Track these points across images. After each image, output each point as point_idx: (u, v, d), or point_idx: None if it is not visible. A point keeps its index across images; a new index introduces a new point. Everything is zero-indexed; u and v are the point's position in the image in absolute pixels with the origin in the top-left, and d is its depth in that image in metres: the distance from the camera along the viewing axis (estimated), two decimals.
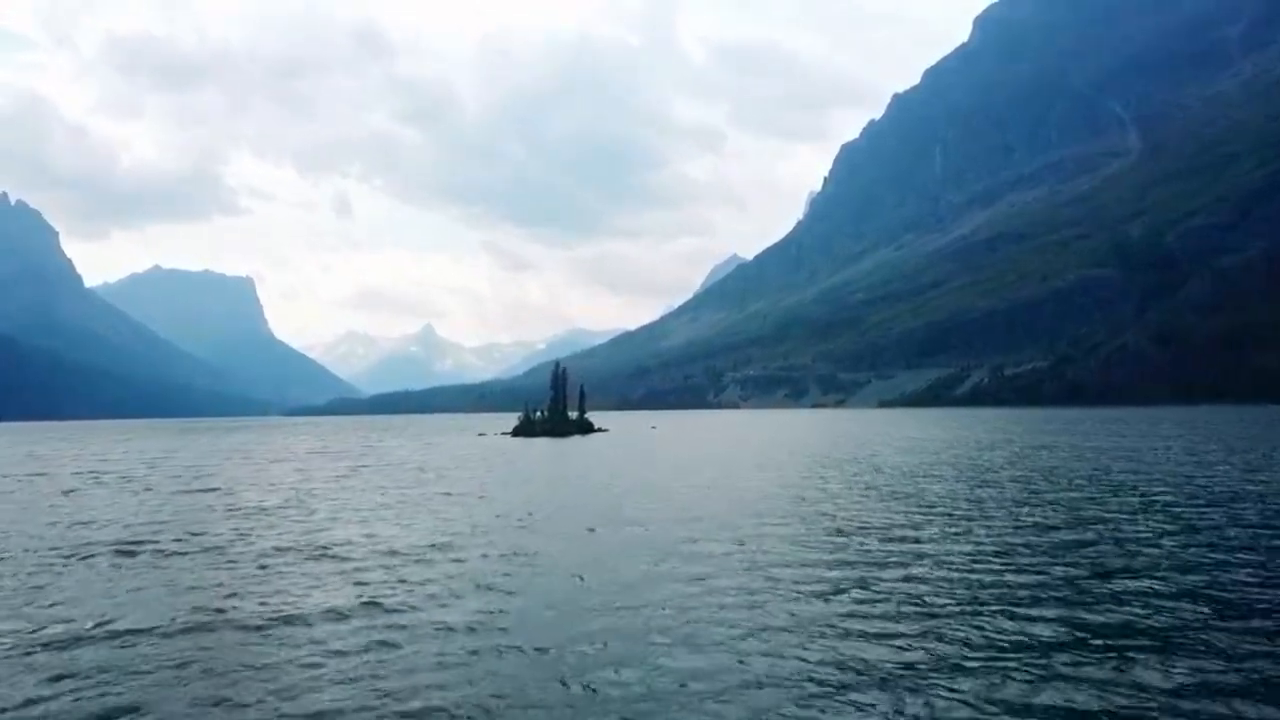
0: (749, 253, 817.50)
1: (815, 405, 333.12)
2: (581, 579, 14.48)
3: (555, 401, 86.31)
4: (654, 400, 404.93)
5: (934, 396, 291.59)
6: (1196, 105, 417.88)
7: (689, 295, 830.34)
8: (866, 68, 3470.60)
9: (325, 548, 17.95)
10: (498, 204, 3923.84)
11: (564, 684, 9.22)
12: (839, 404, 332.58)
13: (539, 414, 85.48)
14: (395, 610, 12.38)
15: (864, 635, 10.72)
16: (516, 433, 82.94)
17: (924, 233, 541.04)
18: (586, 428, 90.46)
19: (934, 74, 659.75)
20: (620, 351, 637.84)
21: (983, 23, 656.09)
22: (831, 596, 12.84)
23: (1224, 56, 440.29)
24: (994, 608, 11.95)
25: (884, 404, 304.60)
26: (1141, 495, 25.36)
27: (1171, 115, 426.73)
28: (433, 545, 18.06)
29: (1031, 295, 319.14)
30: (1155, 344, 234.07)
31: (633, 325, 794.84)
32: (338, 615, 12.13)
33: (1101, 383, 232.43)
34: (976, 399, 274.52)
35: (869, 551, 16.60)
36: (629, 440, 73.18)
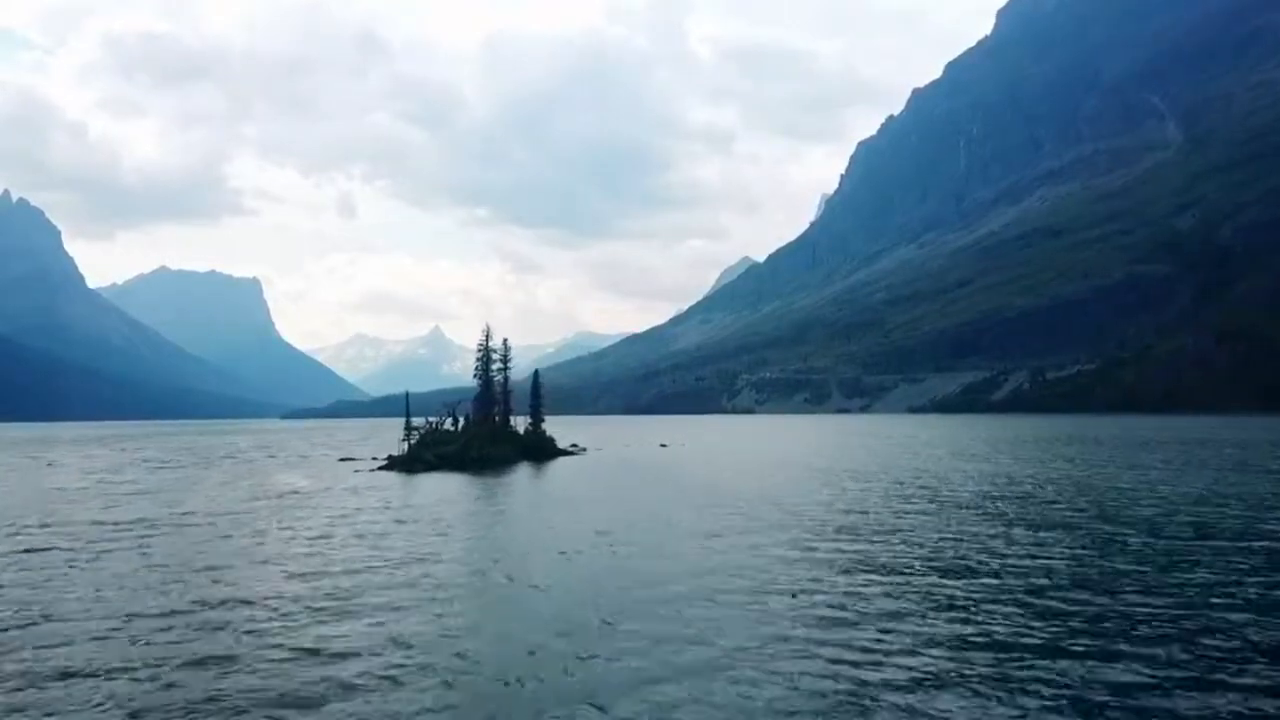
0: (761, 256, 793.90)
1: (839, 410, 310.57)
2: None
3: (484, 402, 54.22)
4: (663, 404, 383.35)
5: (969, 402, 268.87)
6: (1242, 94, 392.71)
7: (700, 299, 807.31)
8: (879, 68, 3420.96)
9: None
10: (505, 206, 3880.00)
11: None
12: (864, 409, 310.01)
13: (453, 421, 53.36)
14: None
15: None
16: (403, 463, 48.15)
17: (947, 230, 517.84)
18: (540, 449, 56.76)
19: (955, 69, 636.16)
20: (629, 354, 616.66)
21: (1006, 16, 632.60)
22: None
23: (1269, 43, 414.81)
24: None
25: (914, 410, 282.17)
26: None
27: (1214, 106, 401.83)
28: None
29: (1073, 293, 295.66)
30: (1220, 345, 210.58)
31: (643, 329, 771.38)
32: None
33: (1163, 388, 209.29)
34: (1017, 404, 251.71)
35: None
36: (607, 487, 39.18)
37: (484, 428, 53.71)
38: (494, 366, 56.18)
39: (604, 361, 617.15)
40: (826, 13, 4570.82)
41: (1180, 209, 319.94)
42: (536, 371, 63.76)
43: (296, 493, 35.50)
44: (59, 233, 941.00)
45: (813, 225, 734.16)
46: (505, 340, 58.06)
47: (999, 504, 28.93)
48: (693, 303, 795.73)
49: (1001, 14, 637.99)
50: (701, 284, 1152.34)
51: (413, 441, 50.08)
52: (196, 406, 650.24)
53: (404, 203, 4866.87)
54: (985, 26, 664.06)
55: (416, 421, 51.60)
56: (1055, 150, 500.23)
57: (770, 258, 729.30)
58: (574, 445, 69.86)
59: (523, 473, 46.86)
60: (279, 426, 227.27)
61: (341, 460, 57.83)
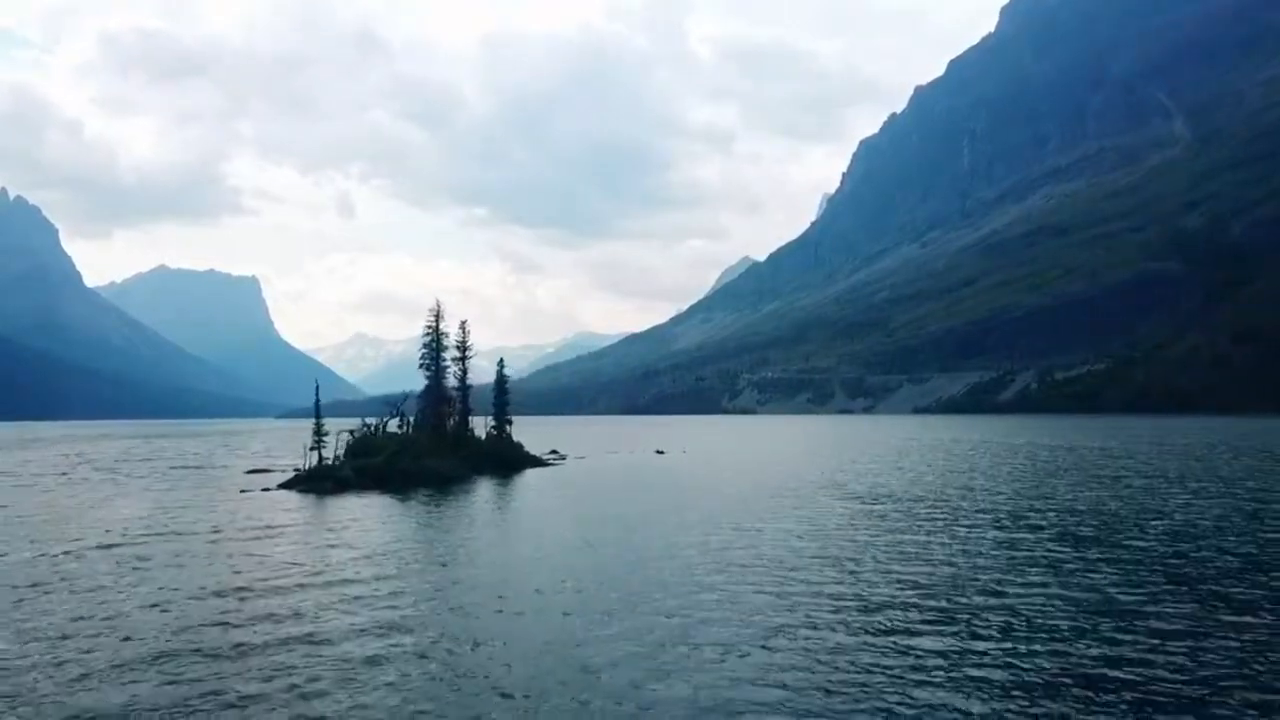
0: (761, 256, 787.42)
1: (842, 411, 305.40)
2: None
3: (434, 401, 44.77)
4: (663, 405, 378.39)
5: (975, 403, 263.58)
6: (1251, 91, 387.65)
7: (700, 299, 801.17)
8: (880, 67, 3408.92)
9: None
10: (505, 206, 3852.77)
11: None
12: (868, 410, 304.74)
13: (399, 423, 43.09)
14: None
15: None
16: (308, 481, 36.51)
17: (951, 229, 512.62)
18: (503, 459, 46.43)
19: (959, 66, 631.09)
20: (629, 353, 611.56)
21: (1009, 13, 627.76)
22: None
23: (1278, 41, 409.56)
24: None
25: (918, 410, 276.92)
26: None
27: (1223, 103, 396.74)
28: None
29: (1081, 292, 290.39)
30: (1236, 344, 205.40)
31: (643, 329, 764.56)
32: None
33: (1177, 388, 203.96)
34: (1024, 405, 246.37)
35: None
36: (573, 521, 27.46)
37: (426, 433, 43.07)
38: (449, 355, 46.75)
39: (604, 361, 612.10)
40: (826, 11, 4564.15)
41: (1189, 207, 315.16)
42: (501, 361, 53.37)
43: (93, 544, 22.38)
44: (56, 231, 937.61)
45: (814, 224, 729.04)
46: (464, 324, 47.80)
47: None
48: (693, 303, 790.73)
49: (1005, 11, 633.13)
50: (702, 284, 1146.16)
51: (324, 452, 38.99)
52: (196, 406, 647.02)
53: (403, 202, 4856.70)
54: (986, 27, 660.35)
55: (350, 424, 43.10)
56: (1060, 148, 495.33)
57: (771, 257, 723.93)
58: (553, 452, 61.32)
59: (467, 494, 35.67)
60: (256, 427, 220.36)
61: (251, 472, 46.70)
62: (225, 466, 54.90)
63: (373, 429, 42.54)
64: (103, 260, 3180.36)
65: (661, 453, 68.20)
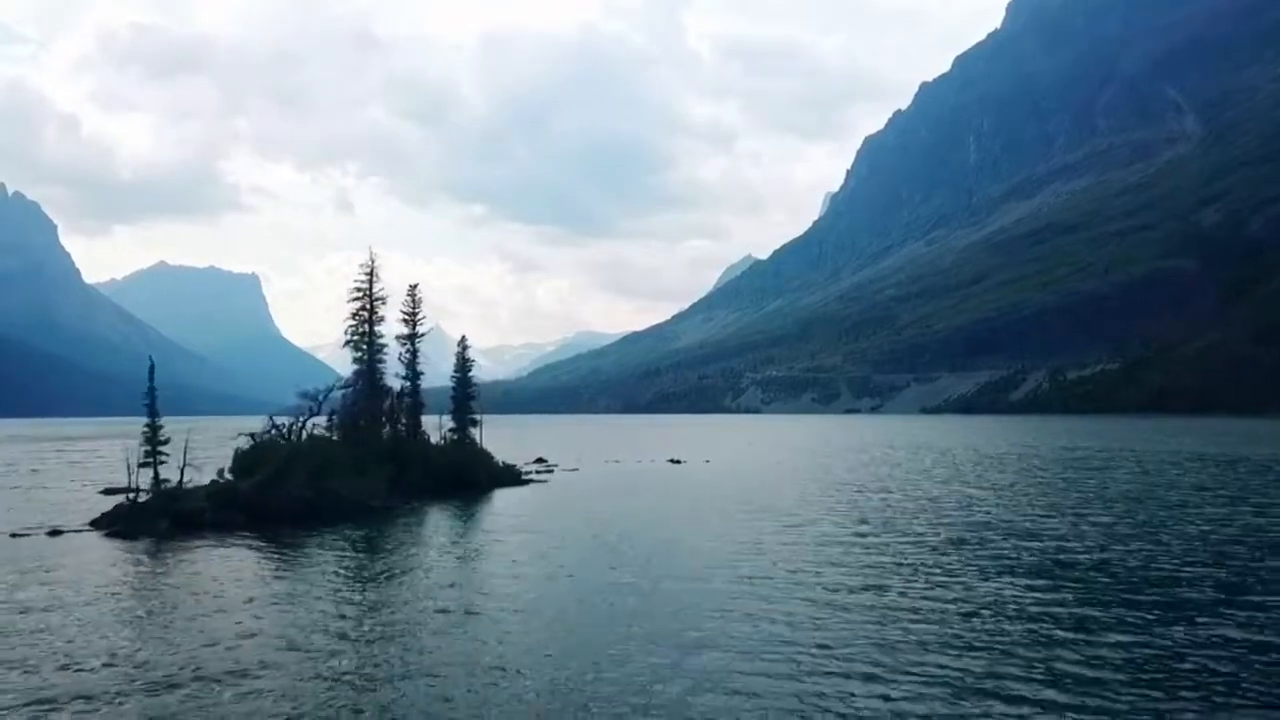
0: (764, 255, 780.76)
1: (848, 410, 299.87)
2: None
3: (369, 394, 33.68)
4: (664, 404, 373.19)
5: (986, 402, 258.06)
6: (1265, 87, 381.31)
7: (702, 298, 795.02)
8: (882, 65, 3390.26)
9: None
10: (504, 204, 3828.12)
11: None
12: (875, 409, 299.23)
13: (328, 423, 32.79)
14: None
15: None
16: (132, 520, 25.10)
17: (957, 227, 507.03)
18: (460, 474, 35.64)
19: (964, 62, 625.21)
20: (630, 352, 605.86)
21: (1015, 8, 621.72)
22: None
23: None
24: None
25: (927, 410, 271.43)
26: None
27: (1236, 99, 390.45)
28: None
29: (1093, 290, 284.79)
30: (1257, 344, 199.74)
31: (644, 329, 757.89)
32: None
33: (1194, 388, 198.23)
34: (1035, 405, 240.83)
35: None
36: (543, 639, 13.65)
37: (342, 438, 31.78)
38: (389, 331, 35.54)
39: (604, 360, 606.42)
40: (827, 8, 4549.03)
41: (1203, 203, 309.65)
42: (464, 339, 41.47)
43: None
44: (55, 227, 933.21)
45: (817, 222, 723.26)
46: (415, 289, 35.86)
47: None
48: (694, 301, 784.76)
49: (1010, 8, 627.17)
50: (704, 284, 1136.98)
51: (185, 469, 27.24)
52: (194, 404, 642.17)
53: (401, 200, 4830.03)
54: (989, 24, 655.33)
55: (254, 425, 31.95)
56: (1068, 144, 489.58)
57: (774, 255, 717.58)
58: (539, 461, 52.38)
59: (369, 546, 23.54)
60: (235, 425, 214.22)
61: (105, 492, 35.86)
62: (76, 483, 42.75)
63: (285, 431, 30.81)
64: (103, 256, 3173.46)
65: (678, 462, 55.82)
